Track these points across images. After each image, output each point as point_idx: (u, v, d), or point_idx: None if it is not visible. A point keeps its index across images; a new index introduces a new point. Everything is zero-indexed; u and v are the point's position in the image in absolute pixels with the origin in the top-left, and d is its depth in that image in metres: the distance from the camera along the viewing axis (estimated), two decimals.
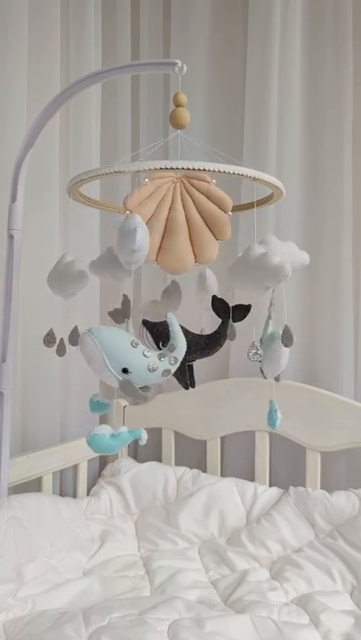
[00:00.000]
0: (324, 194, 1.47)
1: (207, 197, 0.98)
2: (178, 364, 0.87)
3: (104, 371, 0.82)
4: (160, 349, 0.92)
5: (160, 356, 0.85)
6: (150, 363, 0.83)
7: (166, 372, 0.86)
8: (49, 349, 1.00)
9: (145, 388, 0.86)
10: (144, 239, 0.83)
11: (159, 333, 1.00)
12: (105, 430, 0.86)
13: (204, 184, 0.97)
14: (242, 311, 1.05)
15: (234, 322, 1.02)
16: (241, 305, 1.06)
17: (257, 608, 0.99)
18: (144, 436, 0.91)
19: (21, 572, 1.02)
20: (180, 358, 0.87)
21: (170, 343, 0.86)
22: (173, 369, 0.87)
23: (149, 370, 0.83)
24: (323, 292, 1.47)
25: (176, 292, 1.01)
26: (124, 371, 0.82)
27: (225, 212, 0.93)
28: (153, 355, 0.84)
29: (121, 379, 0.82)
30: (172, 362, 0.86)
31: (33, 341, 1.28)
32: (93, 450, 0.86)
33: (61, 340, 0.98)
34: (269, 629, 0.90)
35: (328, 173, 1.47)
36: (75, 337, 0.94)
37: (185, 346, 0.87)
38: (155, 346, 1.00)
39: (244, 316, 1.05)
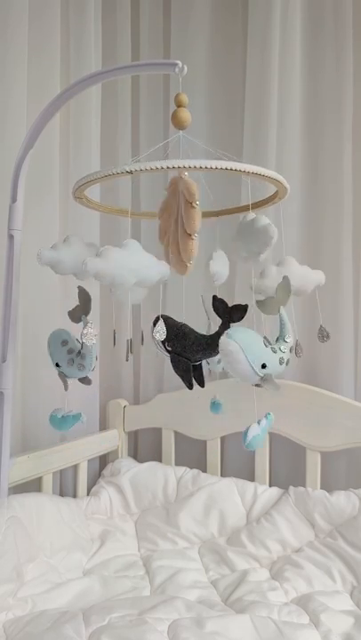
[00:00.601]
0: (324, 194, 1.47)
1: (181, 191, 0.96)
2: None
3: (246, 370, 0.88)
4: (166, 349, 0.96)
5: (282, 349, 0.93)
6: (280, 357, 0.91)
7: (288, 361, 0.94)
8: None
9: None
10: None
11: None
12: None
13: (178, 178, 0.95)
14: (240, 311, 1.06)
15: (232, 322, 1.03)
16: (239, 305, 1.06)
17: (257, 608, 0.99)
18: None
19: (21, 572, 1.02)
20: (293, 346, 0.97)
21: (282, 335, 0.95)
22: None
23: (280, 363, 0.91)
24: (323, 292, 1.47)
25: (287, 288, 1.00)
26: (263, 366, 0.89)
27: (190, 202, 0.91)
28: (278, 350, 0.92)
29: (262, 374, 0.89)
30: (291, 352, 0.97)
31: (33, 341, 1.28)
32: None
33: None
34: (269, 629, 0.90)
35: (328, 173, 1.47)
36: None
37: (293, 336, 0.96)
38: (162, 345, 1.01)
39: (243, 316, 1.06)
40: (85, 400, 1.45)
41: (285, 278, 0.98)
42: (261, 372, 0.89)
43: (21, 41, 1.25)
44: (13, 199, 1.08)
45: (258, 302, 1.00)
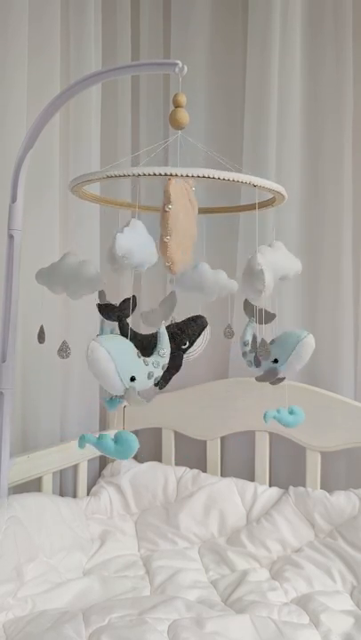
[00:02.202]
0: (324, 194, 1.47)
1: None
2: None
3: (112, 379, 0.83)
4: (183, 348, 0.96)
5: (154, 364, 0.89)
6: (149, 371, 0.88)
7: (157, 378, 0.90)
8: (49, 349, 1.01)
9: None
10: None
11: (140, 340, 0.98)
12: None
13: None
14: (268, 316, 1.08)
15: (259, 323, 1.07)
16: (266, 311, 1.09)
17: (257, 608, 0.99)
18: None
19: (21, 572, 1.02)
20: (165, 364, 0.92)
21: (159, 351, 0.91)
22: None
23: (148, 377, 0.87)
24: (323, 292, 1.47)
25: (172, 303, 0.99)
26: (132, 379, 0.84)
27: (164, 205, 0.91)
28: (150, 363, 0.89)
29: (127, 386, 0.84)
30: (163, 368, 0.92)
31: (33, 341, 1.28)
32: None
33: (64, 342, 0.99)
34: (269, 629, 0.90)
35: (328, 174, 1.47)
36: (42, 336, 0.99)
37: (169, 352, 0.93)
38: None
39: (270, 321, 1.09)
40: (85, 400, 1.45)
41: (172, 293, 0.96)
42: (128, 385, 0.84)
43: (21, 41, 1.25)
44: (13, 199, 1.08)
45: (142, 314, 0.98)
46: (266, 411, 1.05)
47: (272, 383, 1.10)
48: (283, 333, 1.09)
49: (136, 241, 0.84)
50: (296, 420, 1.08)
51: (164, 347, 0.90)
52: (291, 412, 1.08)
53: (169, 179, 0.88)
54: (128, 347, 0.86)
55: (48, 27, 1.32)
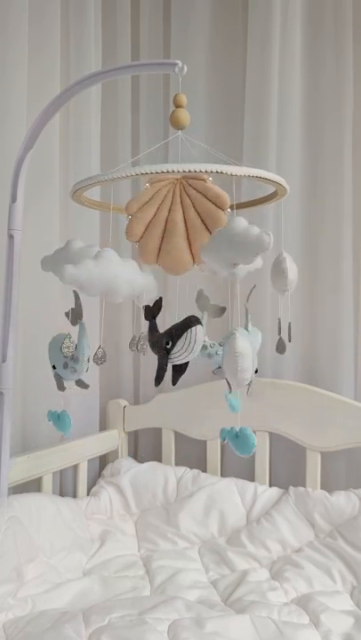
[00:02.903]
0: (324, 194, 1.47)
1: (204, 195, 0.98)
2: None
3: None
4: (166, 348, 0.96)
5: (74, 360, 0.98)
6: (64, 362, 0.98)
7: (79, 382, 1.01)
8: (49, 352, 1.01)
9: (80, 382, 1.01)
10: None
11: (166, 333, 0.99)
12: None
13: (200, 182, 0.97)
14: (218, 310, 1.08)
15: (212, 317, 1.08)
16: (216, 305, 1.08)
17: (257, 608, 0.99)
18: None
19: (21, 572, 1.02)
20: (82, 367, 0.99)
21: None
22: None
23: (64, 367, 1.00)
24: (323, 292, 1.47)
25: (159, 305, 1.02)
26: (53, 367, 1.00)
27: (222, 208, 0.93)
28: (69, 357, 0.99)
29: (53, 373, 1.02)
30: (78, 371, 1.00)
31: (33, 341, 1.28)
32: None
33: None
34: (269, 629, 0.90)
35: (328, 173, 1.47)
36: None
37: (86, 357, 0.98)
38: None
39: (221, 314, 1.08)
40: (85, 400, 1.45)
41: (158, 299, 0.99)
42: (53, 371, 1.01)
43: (21, 41, 1.25)
44: (13, 199, 1.08)
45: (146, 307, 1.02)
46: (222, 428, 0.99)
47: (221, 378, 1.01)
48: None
49: (96, 273, 0.85)
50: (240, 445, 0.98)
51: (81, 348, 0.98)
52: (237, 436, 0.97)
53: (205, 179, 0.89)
54: (57, 340, 0.99)
55: (48, 27, 1.32)
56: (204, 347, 1.10)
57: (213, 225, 0.94)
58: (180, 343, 0.96)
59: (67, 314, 0.96)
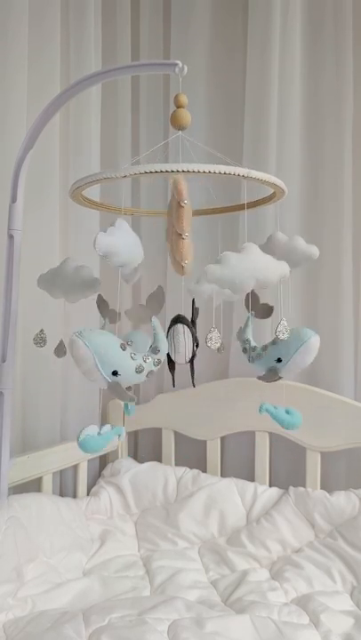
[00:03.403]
0: (324, 194, 1.47)
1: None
2: (159, 366, 0.92)
3: (94, 373, 0.85)
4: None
5: (145, 358, 0.89)
6: (137, 364, 0.87)
7: (151, 373, 0.90)
8: (48, 349, 1.01)
9: (128, 389, 0.90)
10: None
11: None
12: (92, 431, 0.88)
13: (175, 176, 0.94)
14: (267, 310, 1.07)
15: (258, 318, 1.09)
16: (265, 304, 1.07)
17: (257, 608, 0.99)
18: (123, 433, 0.94)
19: (21, 572, 1.02)
20: (163, 360, 0.92)
21: (154, 346, 0.91)
22: (156, 370, 0.91)
23: (137, 372, 0.87)
24: (323, 292, 1.47)
25: (160, 297, 1.00)
26: (114, 373, 0.85)
27: (179, 201, 0.90)
28: (139, 357, 0.88)
29: (110, 380, 0.85)
30: (156, 363, 0.91)
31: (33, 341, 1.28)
32: (85, 451, 0.88)
33: (61, 341, 1.00)
34: (269, 629, 0.90)
35: (328, 173, 1.47)
36: (61, 349, 0.98)
37: (167, 349, 0.93)
38: (197, 338, 1.00)
39: (269, 315, 1.07)
40: (85, 400, 1.45)
41: (159, 288, 0.96)
42: (111, 379, 0.85)
43: (22, 42, 1.25)
44: (13, 199, 1.08)
45: (126, 312, 1.00)
46: (263, 402, 1.05)
47: (268, 381, 1.09)
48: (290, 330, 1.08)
49: (121, 240, 0.84)
50: (291, 421, 1.06)
51: (158, 342, 0.91)
52: (287, 412, 1.07)
53: (177, 176, 0.88)
54: (110, 340, 0.86)
55: (48, 28, 1.32)
56: (252, 348, 1.11)
57: (175, 219, 0.91)
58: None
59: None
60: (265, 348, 1.09)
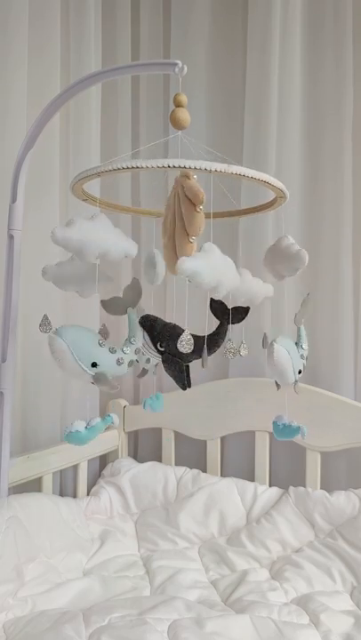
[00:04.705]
0: (324, 194, 1.47)
1: (185, 193, 0.96)
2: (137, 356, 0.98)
3: (75, 368, 0.88)
4: (158, 349, 0.96)
5: (124, 350, 0.94)
6: (117, 357, 0.92)
7: (131, 362, 0.95)
8: (49, 350, 1.01)
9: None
10: None
11: (157, 333, 1.01)
12: (79, 426, 0.91)
13: (183, 179, 0.95)
14: (240, 313, 1.06)
15: (232, 324, 1.04)
16: (240, 307, 1.06)
17: (257, 608, 0.99)
18: (116, 419, 0.97)
19: (21, 572, 1.02)
20: (138, 347, 0.97)
21: (130, 336, 0.96)
22: (138, 360, 0.97)
23: (118, 364, 0.92)
24: (323, 292, 1.47)
25: (136, 289, 1.04)
26: (94, 365, 0.89)
27: (194, 206, 0.91)
28: (118, 350, 0.92)
29: (91, 372, 0.89)
30: (136, 353, 0.97)
31: (33, 341, 1.28)
32: (72, 443, 0.92)
33: (45, 315, 1.01)
34: (269, 629, 0.90)
35: (328, 174, 1.47)
36: (46, 324, 0.98)
37: (141, 338, 0.98)
38: (153, 346, 1.01)
39: (243, 318, 1.07)
40: (85, 400, 1.45)
41: (134, 280, 1.00)
42: (92, 371, 0.89)
43: (21, 41, 1.25)
44: (13, 199, 1.08)
45: (102, 302, 1.02)
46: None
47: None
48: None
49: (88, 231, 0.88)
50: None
51: (133, 332, 0.96)
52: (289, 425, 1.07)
53: (194, 181, 0.89)
54: (86, 334, 0.90)
55: (48, 27, 1.32)
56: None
57: (187, 223, 0.92)
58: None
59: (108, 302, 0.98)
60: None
